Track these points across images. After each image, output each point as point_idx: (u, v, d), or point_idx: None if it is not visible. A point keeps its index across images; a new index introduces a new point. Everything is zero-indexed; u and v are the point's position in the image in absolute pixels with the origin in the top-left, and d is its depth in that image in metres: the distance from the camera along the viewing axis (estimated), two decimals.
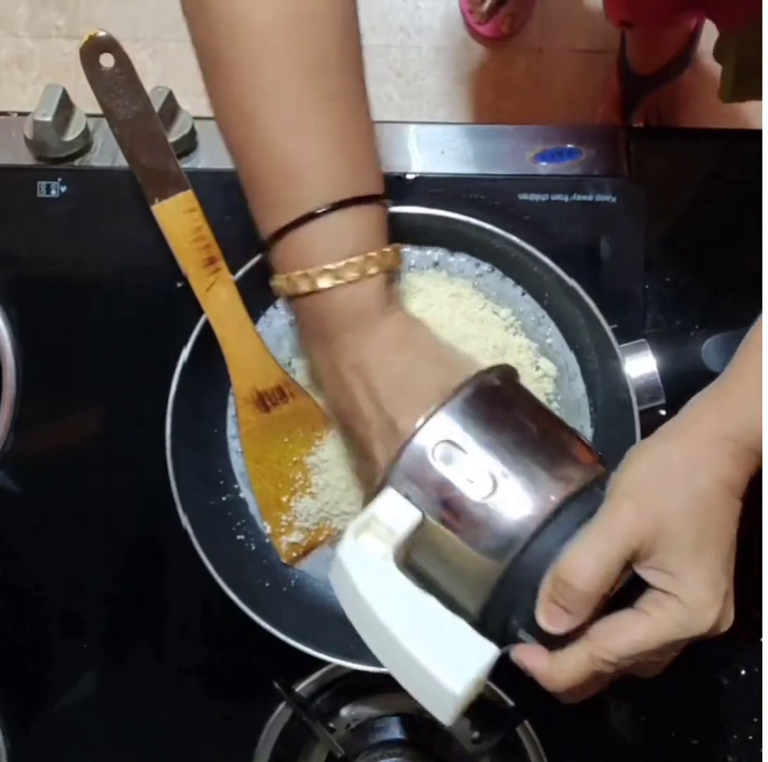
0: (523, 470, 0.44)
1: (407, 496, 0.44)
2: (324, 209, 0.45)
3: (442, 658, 0.42)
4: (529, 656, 0.44)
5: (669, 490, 0.42)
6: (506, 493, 0.43)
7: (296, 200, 0.45)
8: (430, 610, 0.44)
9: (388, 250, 0.47)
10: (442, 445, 0.44)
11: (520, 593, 0.43)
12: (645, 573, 0.42)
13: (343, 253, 0.45)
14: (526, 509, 0.43)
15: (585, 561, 0.41)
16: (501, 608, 0.44)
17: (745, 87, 0.79)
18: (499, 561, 0.43)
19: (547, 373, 0.61)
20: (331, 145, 0.45)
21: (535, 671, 0.43)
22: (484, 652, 0.43)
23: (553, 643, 0.43)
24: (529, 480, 0.44)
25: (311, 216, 0.45)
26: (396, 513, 0.44)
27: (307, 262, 0.46)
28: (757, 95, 0.78)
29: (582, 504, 0.44)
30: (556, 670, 0.43)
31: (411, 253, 0.61)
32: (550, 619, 0.42)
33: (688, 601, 0.41)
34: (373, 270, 0.46)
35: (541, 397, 0.61)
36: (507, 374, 0.49)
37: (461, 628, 0.43)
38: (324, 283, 0.45)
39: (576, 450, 0.46)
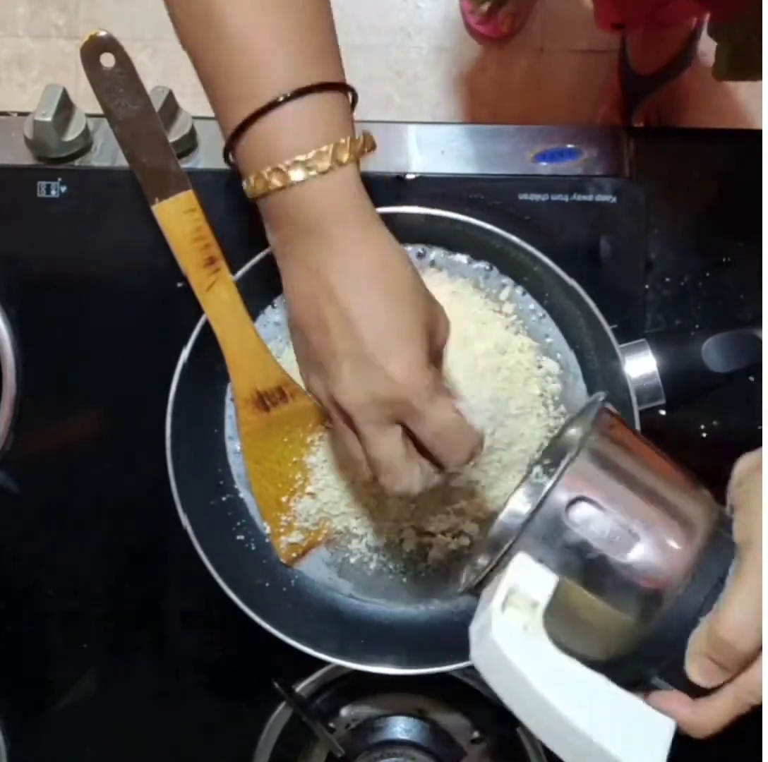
0: (658, 521, 0.42)
1: (541, 561, 0.41)
2: (287, 95, 0.43)
3: (628, 743, 0.40)
4: (673, 704, 0.43)
5: None
6: (647, 549, 0.42)
7: (258, 90, 0.43)
8: (601, 688, 0.41)
9: (359, 137, 0.45)
10: (576, 503, 0.41)
11: (664, 649, 0.42)
12: None
13: (313, 142, 0.43)
14: (669, 565, 0.42)
15: (744, 620, 0.40)
16: (639, 661, 0.43)
17: (738, 68, 0.79)
18: (641, 619, 0.42)
19: (550, 371, 0.61)
20: (292, 35, 0.44)
21: (681, 719, 0.42)
22: (663, 727, 0.42)
23: (695, 690, 0.42)
24: (667, 532, 0.42)
25: (275, 104, 0.43)
26: (535, 581, 0.41)
27: (275, 157, 0.44)
28: (750, 77, 0.79)
29: (717, 552, 0.42)
30: (704, 717, 0.42)
31: (411, 252, 0.61)
32: (704, 675, 0.42)
33: None
34: (345, 157, 0.44)
35: (549, 399, 0.61)
36: (609, 407, 0.46)
37: (634, 704, 0.42)
38: (296, 175, 0.43)
39: (692, 487, 0.45)
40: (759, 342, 0.57)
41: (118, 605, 0.65)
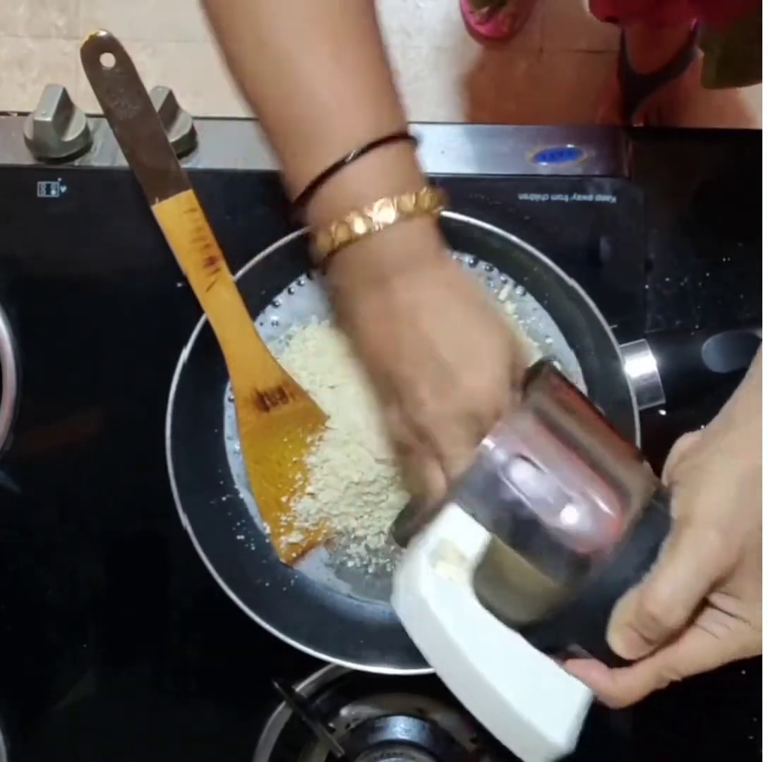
0: (595, 488, 0.42)
1: (473, 515, 0.41)
2: (366, 146, 0.43)
3: (538, 705, 0.40)
4: (590, 673, 0.43)
5: (751, 520, 0.41)
6: (581, 515, 0.41)
7: (335, 141, 0.43)
8: (518, 649, 0.42)
9: (425, 190, 0.45)
10: (516, 460, 0.41)
11: (587, 616, 0.42)
12: (718, 598, 0.42)
13: (393, 191, 0.43)
14: (601, 532, 0.42)
15: (675, 597, 0.40)
16: (561, 627, 0.43)
17: (727, 76, 0.80)
18: (568, 584, 0.42)
19: None
20: (365, 84, 0.44)
21: (599, 689, 0.43)
22: (577, 694, 0.42)
23: (614, 659, 0.42)
24: (602, 499, 0.42)
25: (352, 157, 0.43)
26: (466, 535, 0.41)
27: (359, 203, 0.43)
28: (738, 85, 0.79)
29: (650, 525, 0.42)
30: (623, 688, 0.42)
31: None
32: (628, 647, 0.42)
33: (757, 624, 0.41)
34: (427, 204, 0.44)
35: None
36: (557, 370, 0.46)
37: (550, 668, 0.42)
38: (384, 217, 0.43)
39: (632, 456, 0.45)
40: (759, 342, 0.57)
41: (118, 605, 0.65)
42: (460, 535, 0.41)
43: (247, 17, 0.43)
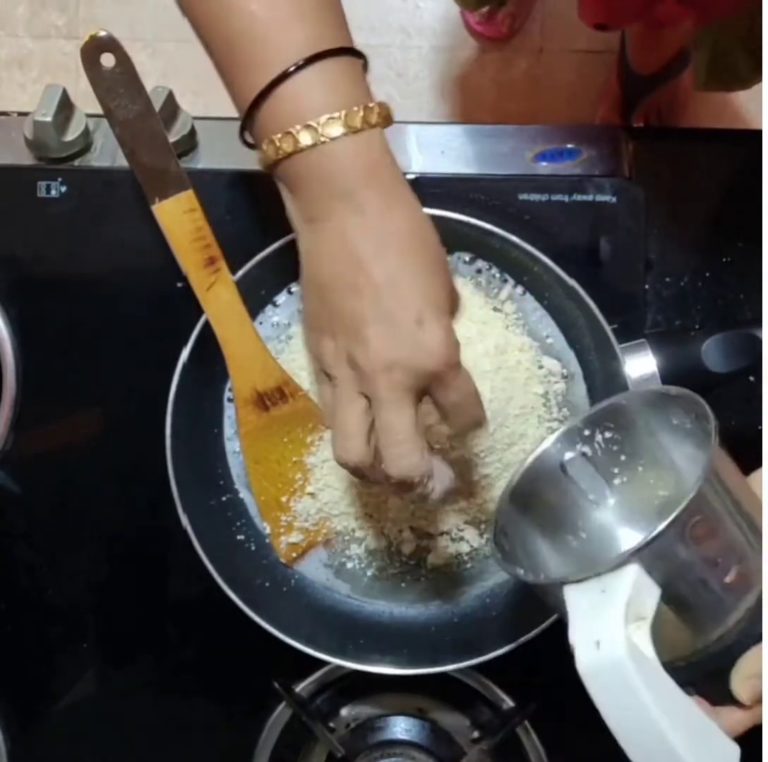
0: (750, 546, 0.42)
1: (650, 574, 0.40)
2: (307, 60, 0.42)
3: None
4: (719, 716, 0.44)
5: None
6: (741, 577, 0.41)
7: (278, 56, 0.43)
8: (693, 712, 0.41)
9: (373, 105, 0.44)
10: (699, 521, 0.40)
11: (716, 665, 0.43)
12: None
13: (342, 103, 0.42)
14: (747, 589, 0.42)
15: None
16: (688, 672, 0.43)
17: (717, 78, 0.80)
18: (709, 636, 0.42)
19: (552, 371, 0.61)
20: (302, 2, 0.43)
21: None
22: (733, 754, 0.42)
23: (718, 697, 0.43)
24: (755, 556, 0.42)
25: (298, 67, 0.42)
26: (645, 594, 0.40)
27: (304, 116, 0.42)
28: (729, 87, 0.80)
29: None
30: (727, 727, 0.43)
31: None
32: (753, 697, 0.43)
33: None
34: (374, 118, 0.43)
35: (552, 400, 0.61)
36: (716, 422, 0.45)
37: (714, 730, 0.42)
38: (332, 131, 0.42)
39: (760, 508, 0.45)
40: (759, 342, 0.57)
41: (118, 605, 0.65)
42: (640, 594, 0.40)
43: None
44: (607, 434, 0.51)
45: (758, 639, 0.42)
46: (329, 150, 0.43)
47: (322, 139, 0.42)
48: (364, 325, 0.43)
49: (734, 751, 0.42)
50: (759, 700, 0.43)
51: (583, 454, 0.51)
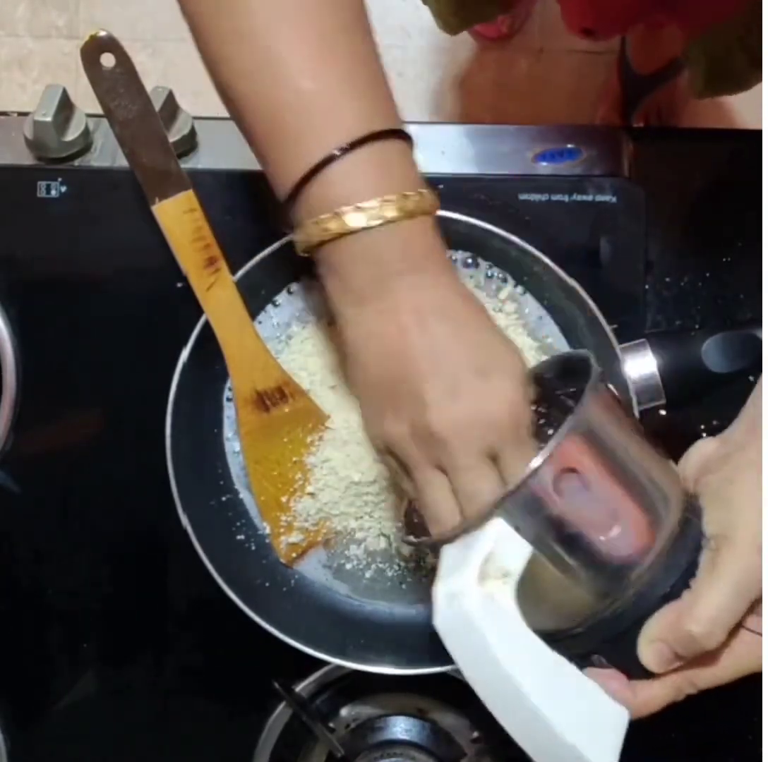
0: (639, 502, 0.41)
1: (517, 529, 0.40)
2: (360, 138, 0.40)
3: (583, 729, 0.39)
4: (611, 683, 0.42)
5: None
6: (624, 532, 0.40)
7: (325, 134, 0.40)
8: (562, 669, 0.41)
9: (424, 190, 0.42)
10: (567, 475, 0.40)
11: (614, 627, 0.42)
12: (748, 618, 0.41)
13: (391, 188, 0.41)
14: (642, 547, 0.41)
15: (717, 620, 0.40)
16: (588, 638, 0.42)
17: (715, 84, 0.79)
18: (605, 598, 0.41)
19: None
20: (354, 76, 0.41)
21: (619, 699, 0.42)
22: (618, 716, 0.41)
23: (634, 670, 0.42)
24: (645, 513, 0.41)
25: (346, 149, 0.40)
26: (510, 550, 0.39)
27: (348, 199, 0.40)
28: (728, 91, 0.79)
29: (686, 538, 0.42)
30: (642, 700, 0.42)
31: None
32: (659, 661, 0.41)
33: None
34: (428, 205, 0.42)
35: None
36: (602, 374, 0.44)
37: (592, 689, 0.41)
38: (356, 221, 0.40)
39: (668, 467, 0.44)
40: (759, 342, 0.57)
41: (118, 605, 0.65)
42: (504, 549, 0.39)
43: (225, 10, 0.41)
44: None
45: (665, 600, 0.41)
46: (381, 233, 0.41)
47: (374, 222, 0.40)
48: (424, 385, 0.40)
49: (621, 715, 0.41)
50: (668, 668, 0.42)
51: None
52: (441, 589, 0.41)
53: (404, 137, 0.43)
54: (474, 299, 0.44)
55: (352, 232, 0.41)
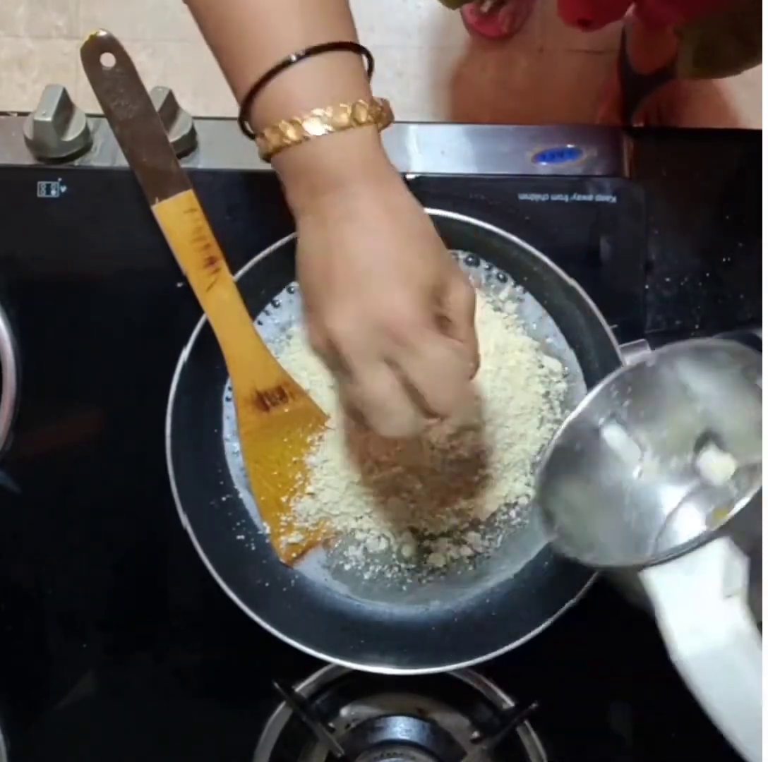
0: None
1: (737, 543, 0.39)
2: (302, 53, 0.42)
3: None
4: None
5: None
6: None
7: (272, 50, 0.43)
8: None
9: (377, 100, 0.44)
10: None
11: None
12: None
13: (330, 99, 0.43)
14: None
15: None
16: None
17: (703, 66, 0.80)
18: None
19: (553, 370, 0.61)
20: None
21: None
22: None
23: None
24: None
25: (289, 62, 0.42)
26: (736, 568, 0.38)
27: (292, 111, 0.43)
28: (715, 74, 0.81)
29: None
30: None
31: None
32: None
33: None
34: (363, 117, 0.43)
35: (554, 400, 0.61)
36: None
37: None
38: (313, 129, 0.42)
39: None
40: (759, 342, 0.57)
41: (117, 605, 0.65)
42: (730, 569, 0.38)
43: None
44: (629, 400, 0.50)
45: None
46: (315, 146, 0.43)
47: (330, 128, 0.42)
48: (332, 297, 0.43)
49: None
50: None
51: (615, 418, 0.50)
52: (677, 621, 0.39)
53: (359, 52, 0.45)
54: (407, 206, 0.45)
55: (308, 138, 0.43)
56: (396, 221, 0.44)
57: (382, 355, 0.42)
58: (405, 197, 0.45)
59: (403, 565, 0.62)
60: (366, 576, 0.62)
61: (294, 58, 0.42)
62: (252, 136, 0.46)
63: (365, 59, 0.46)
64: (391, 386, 0.43)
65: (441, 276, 0.44)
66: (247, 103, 0.44)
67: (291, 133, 0.43)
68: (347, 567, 0.63)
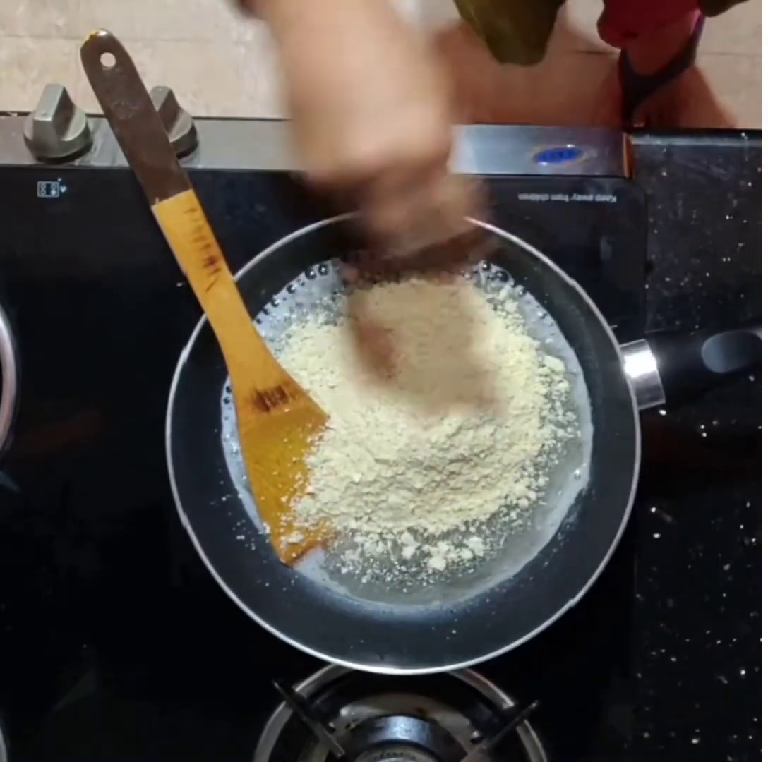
0: None
1: None
2: None
3: None
4: None
5: None
6: None
7: None
8: None
9: None
10: None
11: None
12: None
13: None
14: None
15: None
16: None
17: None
18: None
19: (554, 369, 0.61)
20: None
21: None
22: None
23: None
24: None
25: None
26: None
27: None
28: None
29: None
30: None
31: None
32: None
33: None
34: None
35: (556, 400, 0.61)
36: None
37: None
38: None
39: None
40: (759, 342, 0.57)
41: (118, 605, 0.65)
42: None
43: None
44: None
45: None
46: None
47: None
48: (351, 115, 0.40)
49: None
50: None
51: None
52: None
53: None
54: (403, 23, 0.43)
55: None
56: (399, 31, 0.42)
57: (412, 183, 0.41)
58: (393, 9, 0.43)
59: (403, 569, 0.62)
60: (363, 580, 0.62)
61: None
62: None
63: None
64: (415, 209, 0.42)
65: (451, 86, 0.42)
66: None
67: None
68: (345, 570, 0.62)
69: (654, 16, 0.86)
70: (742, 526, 0.64)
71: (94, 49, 0.51)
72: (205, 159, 0.65)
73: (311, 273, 0.62)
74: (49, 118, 0.61)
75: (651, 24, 0.89)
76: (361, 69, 0.40)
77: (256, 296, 0.60)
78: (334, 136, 0.41)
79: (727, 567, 0.65)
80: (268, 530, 0.62)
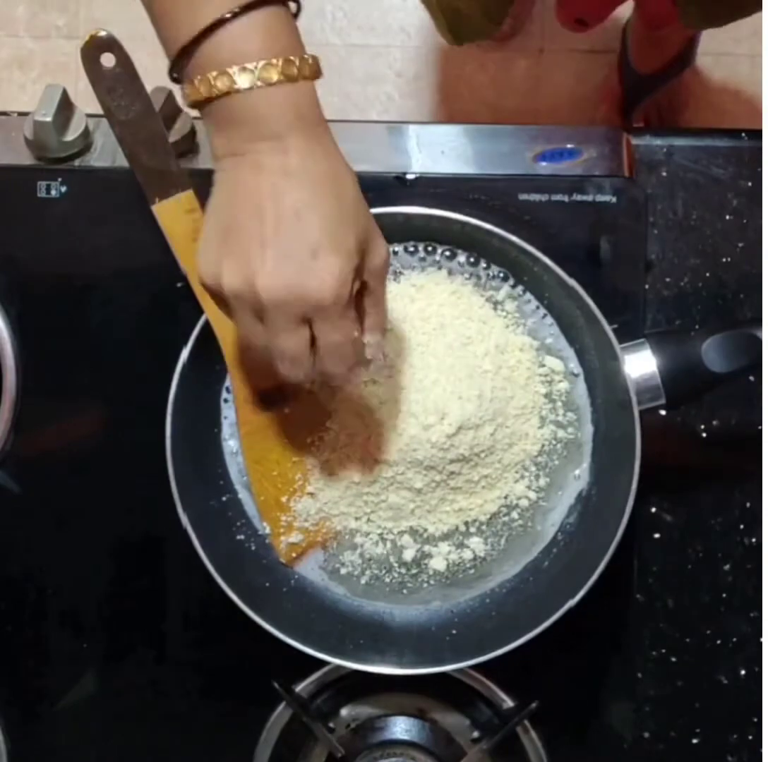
0: None
1: None
2: (236, 10, 0.43)
3: None
4: None
5: None
6: None
7: (204, 8, 0.44)
8: None
9: (307, 56, 0.45)
10: None
11: None
12: None
13: (278, 52, 0.44)
14: None
15: None
16: None
17: (709, 14, 0.82)
18: None
19: (554, 369, 0.61)
20: None
21: None
22: None
23: None
24: None
25: (222, 21, 0.43)
26: None
27: (222, 64, 0.44)
28: (721, 21, 0.84)
29: None
30: None
31: (411, 252, 0.61)
32: None
33: None
34: (308, 71, 0.45)
35: (557, 400, 0.61)
36: None
37: None
38: (243, 82, 0.43)
39: None
40: (759, 342, 0.57)
41: (117, 605, 0.65)
42: None
43: None
44: None
45: None
46: (263, 94, 0.44)
47: (259, 83, 0.43)
48: (264, 249, 0.44)
49: None
50: None
51: None
52: None
53: (288, 5, 0.46)
54: (339, 166, 0.46)
55: (238, 91, 0.44)
56: (327, 179, 0.45)
57: (304, 318, 0.45)
58: (336, 155, 0.46)
59: (403, 571, 0.62)
60: (362, 581, 0.62)
61: (244, 6, 0.43)
62: (176, 81, 0.47)
63: (293, 4, 0.46)
64: (305, 342, 0.46)
65: (366, 235, 0.46)
66: (188, 49, 0.45)
67: (220, 84, 0.44)
68: (343, 571, 0.62)
69: (599, 6, 0.87)
70: (742, 526, 0.64)
71: (94, 49, 0.51)
72: (205, 159, 0.66)
73: None
74: (49, 118, 0.61)
75: (596, 14, 0.90)
76: (289, 209, 0.44)
77: None
78: (242, 262, 0.44)
79: (727, 567, 0.65)
80: (268, 530, 0.62)
